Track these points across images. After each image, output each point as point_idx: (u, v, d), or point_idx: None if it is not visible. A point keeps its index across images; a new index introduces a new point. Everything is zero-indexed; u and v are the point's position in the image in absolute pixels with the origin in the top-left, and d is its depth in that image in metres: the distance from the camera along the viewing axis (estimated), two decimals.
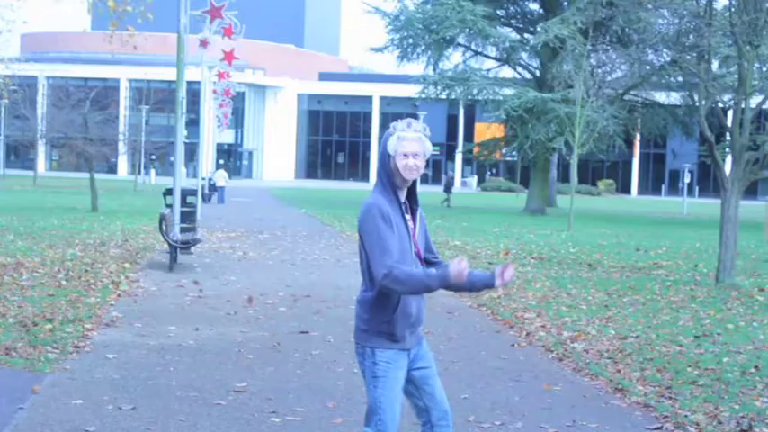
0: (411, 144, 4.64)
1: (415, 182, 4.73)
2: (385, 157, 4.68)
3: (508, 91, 41.04)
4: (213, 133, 62.20)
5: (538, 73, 42.95)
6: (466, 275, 4.55)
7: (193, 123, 58.28)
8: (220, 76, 33.57)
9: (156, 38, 77.69)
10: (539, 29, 39.37)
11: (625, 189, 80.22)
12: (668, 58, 28.05)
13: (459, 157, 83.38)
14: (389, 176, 4.67)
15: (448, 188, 47.06)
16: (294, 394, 7.64)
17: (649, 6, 22.28)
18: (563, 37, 37.36)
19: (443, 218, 33.62)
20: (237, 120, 78.30)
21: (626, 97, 40.42)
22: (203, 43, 25.17)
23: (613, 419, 7.28)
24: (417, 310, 4.74)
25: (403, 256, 4.60)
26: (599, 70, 35.14)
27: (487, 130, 58.72)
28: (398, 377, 4.74)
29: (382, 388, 4.70)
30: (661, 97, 43.64)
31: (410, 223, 4.71)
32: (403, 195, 4.71)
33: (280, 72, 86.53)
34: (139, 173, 61.48)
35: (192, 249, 18.14)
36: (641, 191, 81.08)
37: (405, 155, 4.63)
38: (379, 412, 4.72)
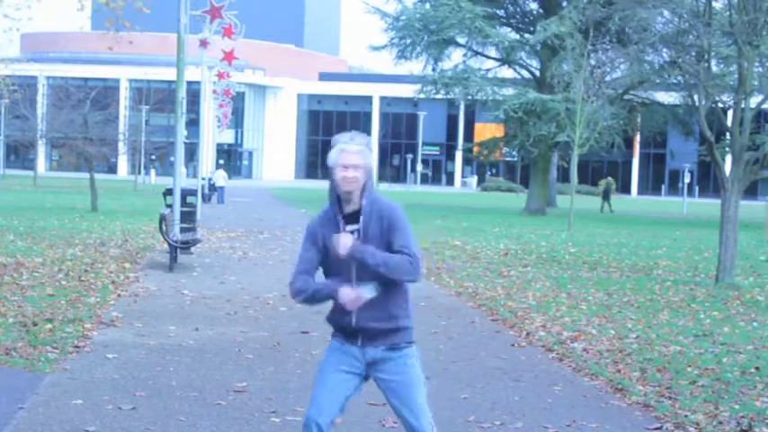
0: (351, 156, 4.70)
1: (363, 191, 4.74)
2: (330, 169, 4.78)
3: (508, 91, 41.05)
4: (213, 133, 62.19)
5: (537, 73, 42.96)
6: (356, 305, 4.71)
7: (193, 123, 58.25)
8: (220, 76, 33.59)
9: (156, 38, 77.90)
10: (538, 28, 39.42)
11: (625, 189, 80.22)
12: (668, 58, 28.02)
13: (459, 157, 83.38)
14: (334, 189, 4.76)
15: (607, 195, 47.38)
16: (294, 394, 7.64)
17: (649, 6, 22.23)
18: (562, 35, 37.40)
19: (444, 218, 33.63)
20: (237, 120, 78.31)
21: (626, 97, 40.43)
22: (203, 43, 25.18)
23: (613, 419, 7.28)
24: (356, 319, 4.77)
25: (342, 268, 4.73)
26: (598, 70, 35.13)
27: (487, 130, 58.77)
28: (336, 366, 4.83)
29: (317, 372, 4.94)
30: (661, 97, 43.64)
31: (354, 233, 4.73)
32: (351, 206, 4.76)
33: (280, 72, 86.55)
34: (139, 173, 61.47)
35: (192, 249, 18.14)
36: (641, 191, 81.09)
37: (344, 167, 4.70)
38: (311, 395, 4.89)
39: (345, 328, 4.84)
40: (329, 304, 4.92)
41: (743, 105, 16.17)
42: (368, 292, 4.71)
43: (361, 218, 4.75)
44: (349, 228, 4.74)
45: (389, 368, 4.84)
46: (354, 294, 4.68)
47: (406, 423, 4.88)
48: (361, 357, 4.84)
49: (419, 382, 4.88)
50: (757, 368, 9.06)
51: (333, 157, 4.75)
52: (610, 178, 54.05)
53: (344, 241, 4.65)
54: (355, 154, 4.71)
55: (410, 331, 4.89)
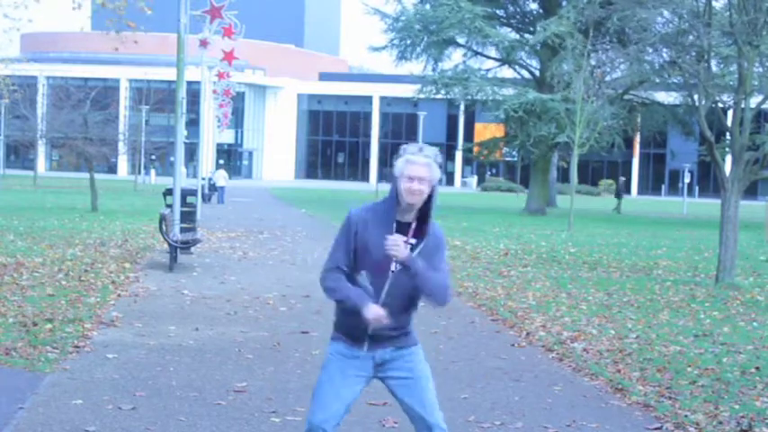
0: (418, 168, 4.65)
1: (428, 206, 4.69)
2: (393, 178, 4.73)
3: (508, 91, 41.05)
4: (213, 133, 62.19)
5: (537, 73, 42.97)
6: (380, 323, 4.66)
7: (193, 123, 58.23)
8: (220, 76, 33.58)
9: (156, 38, 77.87)
10: (538, 28, 39.44)
11: (625, 189, 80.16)
12: (668, 58, 28.03)
13: (459, 157, 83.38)
14: (394, 196, 4.70)
15: (619, 194, 47.40)
16: (294, 394, 7.64)
17: (649, 6, 22.22)
18: (561, 34, 37.41)
19: (444, 218, 33.65)
20: (237, 120, 78.29)
21: (626, 97, 40.44)
22: (203, 43, 25.19)
23: (613, 419, 7.28)
24: (363, 325, 4.73)
25: (377, 270, 4.68)
26: (598, 70, 35.13)
27: (487, 130, 58.76)
28: (343, 371, 4.78)
29: (320, 377, 4.85)
30: (661, 97, 43.65)
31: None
32: (406, 217, 4.70)
33: (280, 72, 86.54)
34: (139, 173, 61.46)
35: (192, 249, 18.14)
36: (641, 191, 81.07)
37: (410, 178, 4.64)
38: (312, 401, 4.82)
39: (357, 331, 4.77)
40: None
41: (743, 105, 16.17)
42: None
43: (426, 238, 4.68)
44: (403, 237, 4.68)
45: (399, 365, 4.82)
46: (381, 314, 4.64)
47: (419, 420, 4.84)
48: (368, 360, 4.80)
49: (429, 377, 4.88)
50: (757, 368, 9.06)
51: (399, 166, 4.69)
52: (623, 178, 54.01)
53: (401, 245, 4.60)
54: (423, 166, 4.66)
55: (414, 334, 4.91)
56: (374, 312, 4.64)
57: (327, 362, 4.86)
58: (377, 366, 4.83)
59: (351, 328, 4.78)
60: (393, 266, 4.68)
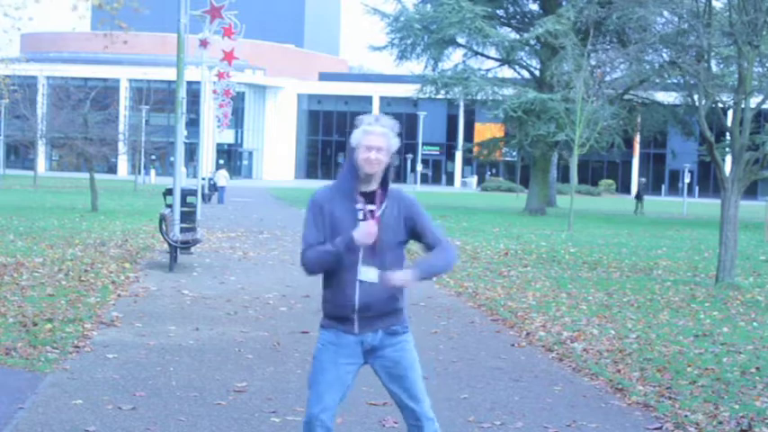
0: (375, 138, 4.70)
1: (387, 173, 4.75)
2: (351, 149, 4.75)
3: (508, 91, 41.05)
4: (213, 133, 62.19)
5: (537, 73, 42.97)
6: (373, 237, 4.64)
7: (193, 123, 58.29)
8: (220, 76, 33.57)
9: (156, 38, 78.05)
10: (535, 25, 39.48)
11: (625, 189, 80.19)
12: (668, 58, 28.04)
13: (459, 157, 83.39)
14: (353, 169, 4.73)
15: (639, 195, 47.36)
16: (294, 394, 7.64)
17: (649, 5, 22.22)
18: (557, 33, 37.42)
19: (444, 218, 33.62)
20: (237, 120, 78.30)
21: (626, 97, 40.44)
22: (203, 43, 25.20)
23: (613, 419, 7.28)
24: (364, 297, 4.73)
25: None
26: (598, 70, 35.12)
27: (487, 130, 58.76)
28: (335, 361, 4.79)
29: (312, 367, 4.86)
30: (661, 97, 43.64)
31: (367, 214, 4.71)
32: (369, 186, 4.74)
33: (280, 72, 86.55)
34: (139, 173, 61.46)
35: (192, 249, 18.14)
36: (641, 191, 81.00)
37: (368, 147, 4.69)
38: (309, 392, 4.83)
39: (345, 310, 4.76)
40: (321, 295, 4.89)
41: (743, 105, 16.17)
42: (369, 275, 4.71)
43: (386, 201, 4.73)
44: (369, 207, 4.73)
45: (388, 353, 4.83)
46: (369, 226, 4.63)
47: (406, 409, 4.87)
48: (358, 346, 4.81)
49: (417, 366, 4.89)
50: (757, 368, 9.06)
51: (356, 137, 4.73)
52: (643, 179, 53.95)
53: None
54: (380, 136, 4.71)
55: (405, 314, 4.90)
56: (361, 230, 4.64)
57: (318, 352, 4.87)
58: (366, 353, 4.84)
59: (339, 308, 4.78)
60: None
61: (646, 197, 50.42)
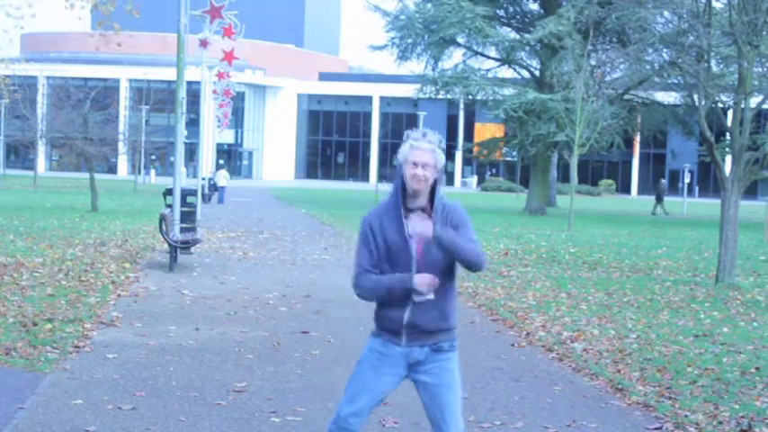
0: (422, 154, 4.64)
1: (434, 188, 4.70)
2: (398, 165, 4.72)
3: (508, 91, 41.06)
4: (213, 133, 62.18)
5: (537, 73, 42.98)
6: (434, 288, 4.64)
7: (193, 123, 58.27)
8: (220, 76, 33.56)
9: (156, 38, 78.04)
10: (537, 26, 39.48)
11: (625, 189, 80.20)
12: (668, 58, 28.05)
13: (459, 157, 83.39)
14: (399, 185, 4.70)
15: (660, 196, 47.35)
16: (294, 394, 7.64)
17: (649, 5, 22.22)
18: (560, 33, 37.42)
19: None
20: (237, 120, 78.30)
21: (626, 97, 40.45)
22: (203, 43, 25.20)
23: (613, 419, 7.28)
24: (414, 316, 4.71)
25: (395, 261, 4.67)
26: (598, 70, 35.13)
27: (487, 130, 58.75)
28: (377, 368, 4.77)
29: (354, 371, 4.85)
30: (661, 97, 43.64)
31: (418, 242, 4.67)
32: (417, 202, 4.70)
33: (280, 72, 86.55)
34: (139, 173, 61.45)
35: (192, 249, 18.14)
36: (641, 191, 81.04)
37: (414, 164, 4.64)
38: (344, 394, 4.83)
39: (394, 324, 4.74)
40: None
41: (743, 105, 16.17)
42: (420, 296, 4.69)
43: (433, 214, 4.68)
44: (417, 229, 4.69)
45: (431, 370, 4.79)
46: (429, 278, 4.61)
47: (436, 426, 4.85)
48: (403, 359, 4.78)
49: (456, 387, 4.84)
50: (757, 368, 9.06)
51: (403, 152, 4.69)
52: (663, 180, 53.89)
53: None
54: (426, 152, 4.65)
55: (454, 331, 4.87)
56: (422, 278, 4.61)
57: (364, 357, 4.85)
58: (410, 366, 4.80)
59: (389, 321, 4.75)
60: (414, 253, 4.66)
61: (649, 197, 50.40)
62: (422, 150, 4.65)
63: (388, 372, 4.79)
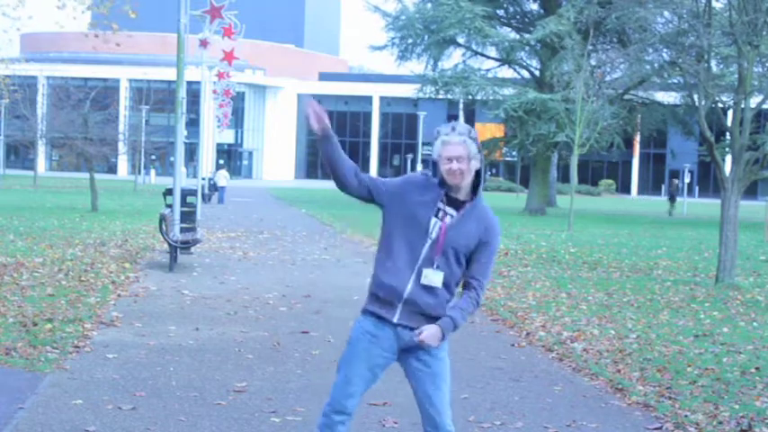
0: (454, 148, 4.63)
1: (478, 179, 4.69)
2: (435, 162, 4.72)
3: (508, 91, 41.06)
4: (213, 133, 62.17)
5: (537, 73, 42.98)
6: (317, 115, 4.85)
7: (193, 123, 58.27)
8: (220, 76, 33.56)
9: (156, 38, 78.05)
10: (537, 26, 39.49)
11: (625, 189, 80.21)
12: (668, 58, 28.05)
13: None
14: (441, 179, 4.70)
15: (673, 197, 47.19)
16: (294, 394, 7.64)
17: (649, 5, 22.22)
18: (560, 33, 37.43)
19: None
20: (237, 120, 78.32)
21: (626, 97, 40.45)
22: (203, 43, 25.20)
23: (613, 419, 7.28)
24: (414, 294, 4.67)
25: (405, 237, 4.67)
26: (598, 70, 35.12)
27: (487, 130, 58.73)
28: (368, 351, 4.75)
29: (345, 353, 4.84)
30: (661, 96, 43.64)
31: (447, 216, 4.67)
32: (458, 194, 4.68)
33: (280, 72, 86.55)
34: (139, 173, 61.45)
35: (192, 249, 18.14)
36: (641, 191, 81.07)
37: (448, 159, 4.63)
38: (337, 376, 4.82)
39: (393, 295, 4.69)
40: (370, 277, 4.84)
41: (743, 105, 16.17)
42: (433, 279, 4.66)
43: (465, 208, 4.67)
44: (448, 210, 4.67)
45: (421, 356, 4.77)
46: (316, 107, 4.70)
47: (426, 415, 4.83)
48: (395, 342, 4.75)
49: (447, 376, 4.85)
50: (757, 368, 9.06)
51: (436, 149, 4.68)
52: (676, 180, 53.83)
53: (435, 334, 4.64)
54: (458, 145, 4.63)
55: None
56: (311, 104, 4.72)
57: (354, 339, 4.81)
58: (401, 350, 4.79)
59: (386, 291, 4.70)
60: (432, 233, 4.65)
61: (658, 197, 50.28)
62: (453, 144, 4.63)
63: (379, 354, 4.76)
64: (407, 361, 4.81)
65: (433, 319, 4.72)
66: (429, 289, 4.68)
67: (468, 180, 4.67)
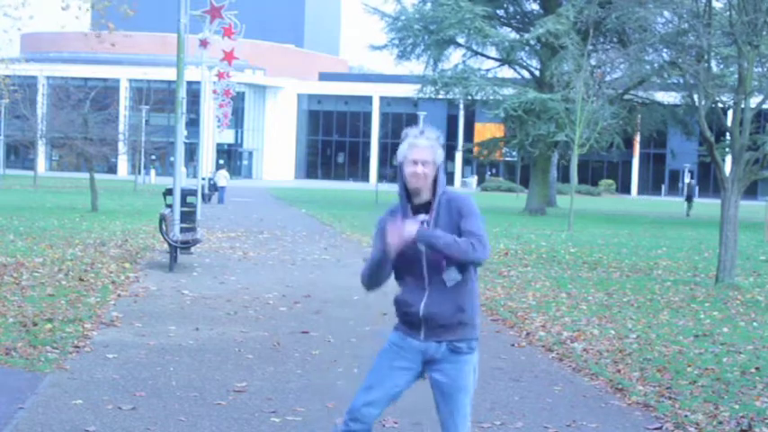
0: (420, 151, 4.65)
1: (435, 182, 4.69)
2: (399, 165, 4.72)
3: (508, 91, 41.06)
4: (213, 133, 62.17)
5: (537, 73, 42.99)
6: (400, 236, 4.54)
7: (193, 123, 58.26)
8: (220, 76, 33.57)
9: (156, 38, 78.04)
10: (535, 25, 39.51)
11: (625, 189, 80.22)
12: (668, 58, 28.04)
13: (459, 157, 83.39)
14: (403, 183, 4.71)
15: (690, 197, 47.13)
16: (294, 394, 7.64)
17: (649, 5, 22.22)
18: (558, 32, 37.43)
19: None
20: (237, 120, 78.31)
21: (626, 97, 40.46)
22: (203, 43, 25.20)
23: (613, 419, 7.28)
24: (429, 306, 4.69)
25: (407, 263, 4.67)
26: (598, 70, 35.12)
27: (487, 130, 58.75)
28: (393, 362, 4.77)
29: (374, 362, 4.85)
30: (661, 96, 43.65)
31: (423, 223, 4.68)
32: (421, 198, 4.70)
33: (280, 72, 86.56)
34: (139, 173, 61.45)
35: (192, 249, 18.14)
36: (641, 191, 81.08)
37: (414, 162, 4.64)
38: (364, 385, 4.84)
39: (411, 316, 4.74)
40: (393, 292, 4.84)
41: (743, 105, 16.17)
42: (452, 275, 4.66)
43: (433, 208, 4.68)
44: (420, 217, 4.67)
45: (446, 369, 4.78)
46: (399, 225, 4.55)
47: (445, 427, 4.85)
48: (419, 354, 4.77)
49: (470, 390, 4.84)
50: (757, 368, 9.06)
51: (402, 151, 4.69)
52: (693, 180, 53.72)
53: (409, 228, 4.57)
54: (425, 149, 4.66)
55: (474, 330, 4.85)
56: (389, 230, 4.54)
57: (383, 349, 4.86)
58: (426, 362, 4.80)
59: (404, 314, 4.77)
60: (421, 247, 4.64)
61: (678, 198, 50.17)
62: (420, 148, 4.66)
63: (404, 366, 4.78)
64: (432, 373, 4.83)
65: (460, 327, 4.76)
66: (441, 300, 4.70)
67: (429, 182, 4.69)
